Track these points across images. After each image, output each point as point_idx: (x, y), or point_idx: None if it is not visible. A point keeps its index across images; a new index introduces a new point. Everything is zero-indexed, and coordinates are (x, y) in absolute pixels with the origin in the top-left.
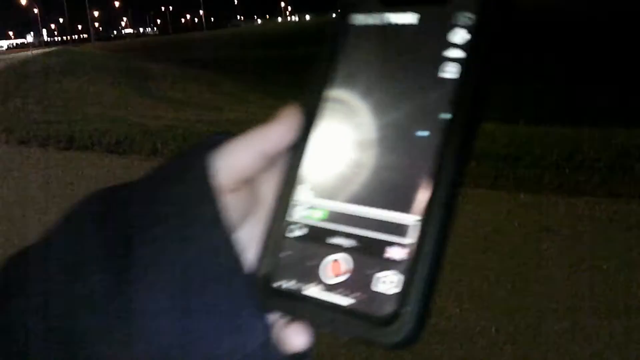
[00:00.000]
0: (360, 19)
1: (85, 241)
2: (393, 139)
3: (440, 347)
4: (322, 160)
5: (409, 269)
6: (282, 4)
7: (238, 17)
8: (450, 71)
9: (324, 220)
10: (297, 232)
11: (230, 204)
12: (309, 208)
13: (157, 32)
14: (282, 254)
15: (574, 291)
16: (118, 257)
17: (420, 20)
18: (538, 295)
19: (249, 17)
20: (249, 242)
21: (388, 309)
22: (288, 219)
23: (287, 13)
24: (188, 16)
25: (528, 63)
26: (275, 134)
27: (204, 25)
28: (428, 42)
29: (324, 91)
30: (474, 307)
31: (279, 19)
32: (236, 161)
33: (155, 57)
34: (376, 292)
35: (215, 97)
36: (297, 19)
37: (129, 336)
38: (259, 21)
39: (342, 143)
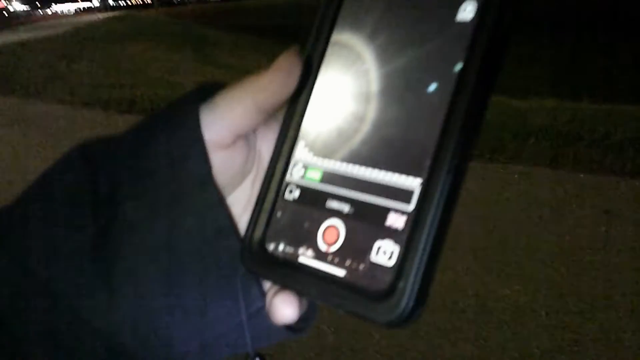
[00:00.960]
0: None
1: (68, 196)
2: (401, 92)
3: (487, 328)
4: (323, 114)
5: (407, 239)
6: None
7: None
8: (468, 11)
9: (322, 181)
10: (294, 194)
11: (224, 161)
12: (307, 167)
13: None
14: (277, 216)
15: (633, 277)
16: (103, 210)
17: None
18: (593, 280)
19: None
20: (246, 203)
21: (384, 282)
22: (285, 179)
23: None
24: None
25: (594, 38)
26: (272, 83)
27: None
28: None
29: (327, 37)
30: (525, 289)
31: None
32: (229, 114)
33: (215, 23)
34: (373, 264)
35: None
36: None
37: (110, 297)
38: None
39: (345, 96)
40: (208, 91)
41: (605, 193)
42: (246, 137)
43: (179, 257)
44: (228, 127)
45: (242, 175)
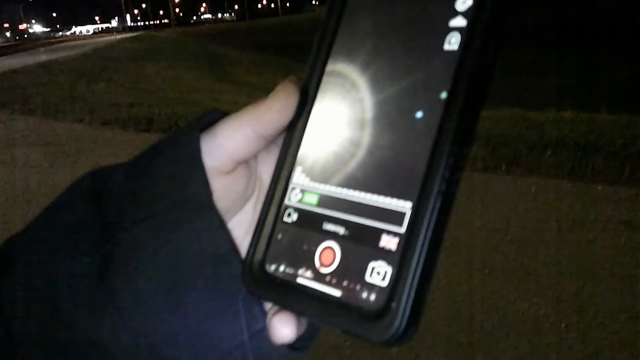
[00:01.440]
0: None
1: (77, 222)
2: (391, 119)
3: (506, 341)
4: (319, 140)
5: (400, 260)
6: None
7: (313, 2)
8: (453, 42)
9: (319, 204)
10: (293, 217)
11: (226, 186)
12: (305, 192)
13: (235, 18)
14: (277, 239)
15: None
16: (108, 238)
17: None
18: (612, 293)
19: (324, 2)
20: (247, 226)
21: (378, 302)
22: (284, 202)
23: None
24: (264, 1)
25: (612, 49)
26: (270, 112)
27: (280, 10)
28: (431, 11)
29: (323, 66)
30: (544, 301)
31: None
32: (229, 142)
33: (232, 42)
34: (368, 284)
35: None
36: None
37: (116, 318)
38: None
39: (341, 123)
40: (209, 120)
41: (624, 204)
42: (247, 163)
43: (182, 279)
44: (228, 153)
45: (244, 200)
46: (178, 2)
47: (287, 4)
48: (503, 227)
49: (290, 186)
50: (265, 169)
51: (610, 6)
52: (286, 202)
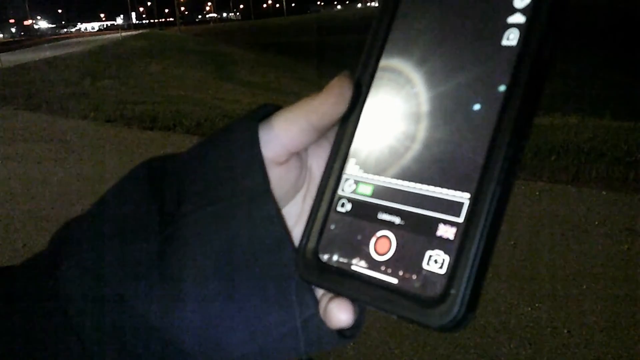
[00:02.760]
0: None
1: (136, 206)
2: (448, 112)
3: (508, 345)
4: (373, 133)
5: (458, 249)
6: None
7: (318, 2)
8: (511, 38)
9: (373, 195)
10: (346, 207)
11: (279, 176)
12: (359, 183)
13: (240, 17)
14: (330, 229)
15: None
16: (167, 224)
17: None
18: (616, 299)
19: (329, 3)
20: (298, 216)
21: (436, 289)
22: (337, 193)
23: None
24: (270, 1)
25: (618, 55)
26: (324, 105)
27: (285, 10)
28: (488, 7)
29: (377, 61)
30: (547, 306)
31: (359, 5)
32: (284, 133)
33: (236, 41)
34: (424, 272)
35: (292, 82)
36: (376, 4)
37: (176, 301)
38: (339, 7)
39: (395, 116)
40: (265, 112)
41: (628, 211)
42: (299, 155)
43: (239, 265)
44: (283, 145)
45: (295, 190)
46: (183, 0)
47: (293, 4)
48: (507, 230)
49: (344, 177)
50: (316, 161)
51: (619, 12)
52: (339, 192)
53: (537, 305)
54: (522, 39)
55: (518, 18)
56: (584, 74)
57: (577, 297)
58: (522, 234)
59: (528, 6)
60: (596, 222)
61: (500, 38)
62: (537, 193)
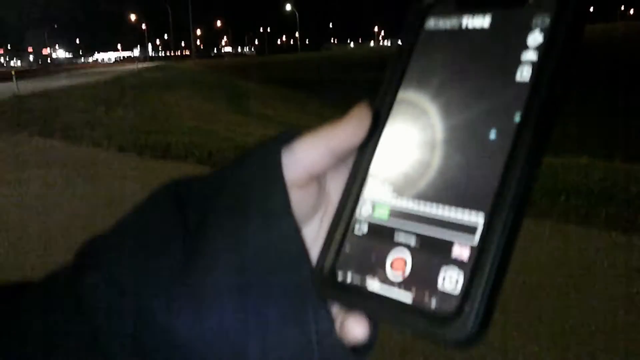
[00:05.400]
0: (436, 21)
1: (161, 222)
2: (463, 141)
3: None
4: (390, 160)
5: (473, 268)
6: (376, 29)
7: (331, 40)
8: (525, 74)
9: (390, 218)
10: (363, 229)
11: (299, 198)
12: (376, 206)
13: (254, 52)
14: (347, 249)
15: None
16: (191, 239)
17: (495, 22)
18: (623, 342)
19: (342, 41)
20: (315, 238)
21: (451, 306)
22: (355, 215)
23: (380, 37)
24: (284, 38)
25: (629, 98)
26: (344, 132)
27: (299, 47)
28: (503, 44)
29: (395, 92)
30: (555, 346)
31: (372, 43)
32: (305, 157)
33: (250, 75)
34: (440, 290)
35: (302, 117)
36: (389, 43)
37: (195, 316)
38: (352, 45)
39: (412, 143)
40: (288, 136)
41: (637, 253)
42: (318, 179)
43: (259, 281)
44: (304, 168)
45: (313, 212)
46: (200, 34)
47: (307, 41)
48: (515, 269)
49: (362, 200)
50: (334, 186)
51: (629, 56)
52: (357, 215)
53: (544, 344)
54: (535, 76)
55: (531, 56)
56: (595, 116)
57: (584, 339)
58: (530, 272)
59: (541, 45)
60: (605, 264)
61: (515, 74)
62: (547, 232)
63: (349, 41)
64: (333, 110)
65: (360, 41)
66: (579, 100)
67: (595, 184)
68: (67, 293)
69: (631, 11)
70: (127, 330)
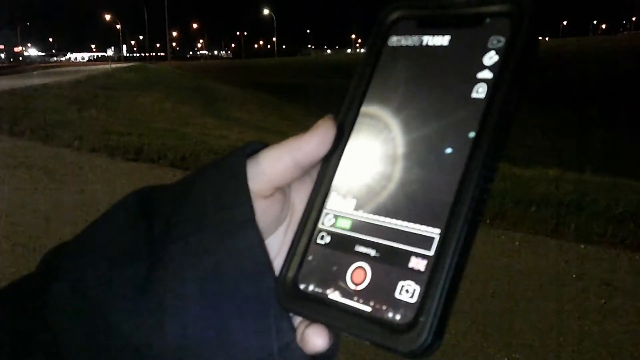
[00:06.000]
0: (398, 38)
1: (127, 232)
2: (421, 155)
3: None
4: (353, 172)
5: (428, 280)
6: (353, 36)
7: (309, 45)
8: (480, 91)
9: (351, 229)
10: (326, 239)
11: (264, 209)
12: (338, 217)
13: (231, 56)
14: (310, 259)
15: (632, 350)
16: (154, 250)
17: (454, 41)
18: (592, 352)
19: (319, 47)
20: (279, 248)
21: (406, 317)
22: (318, 226)
23: (357, 45)
24: (261, 42)
25: (600, 112)
26: (309, 144)
27: (276, 52)
28: (460, 63)
29: (359, 106)
30: (524, 357)
31: (348, 50)
32: (270, 168)
33: (226, 79)
34: (396, 300)
35: (278, 122)
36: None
37: (157, 324)
38: (329, 51)
39: (373, 157)
40: (253, 148)
41: (606, 265)
42: (283, 190)
43: (221, 291)
44: (269, 179)
45: (278, 223)
46: (176, 36)
47: (284, 46)
48: (486, 279)
49: (324, 211)
50: (298, 197)
51: (600, 70)
52: (320, 225)
53: (514, 355)
54: (489, 93)
55: (486, 74)
56: (565, 129)
57: (554, 349)
58: (501, 284)
59: (496, 64)
60: (574, 275)
61: (471, 91)
62: (517, 243)
63: (326, 48)
64: (309, 115)
65: (337, 48)
66: (551, 112)
67: (565, 195)
68: (33, 302)
69: (603, 26)
70: (90, 337)
